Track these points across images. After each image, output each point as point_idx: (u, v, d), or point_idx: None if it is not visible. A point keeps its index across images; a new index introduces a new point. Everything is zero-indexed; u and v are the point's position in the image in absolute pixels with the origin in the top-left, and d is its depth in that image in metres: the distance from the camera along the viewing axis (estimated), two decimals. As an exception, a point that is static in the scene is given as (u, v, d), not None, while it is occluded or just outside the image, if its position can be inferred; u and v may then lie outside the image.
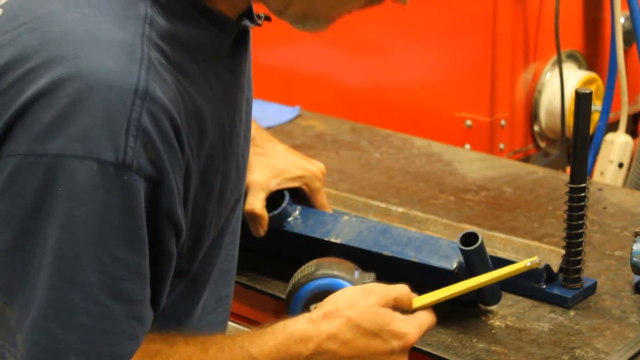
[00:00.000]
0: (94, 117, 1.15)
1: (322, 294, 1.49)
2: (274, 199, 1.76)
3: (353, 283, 1.52)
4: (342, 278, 1.54)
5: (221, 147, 1.33)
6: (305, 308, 1.53)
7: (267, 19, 1.39)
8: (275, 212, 1.75)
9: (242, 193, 1.48)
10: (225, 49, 1.34)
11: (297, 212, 1.77)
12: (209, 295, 1.49)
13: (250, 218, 1.72)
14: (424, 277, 1.63)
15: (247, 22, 1.36)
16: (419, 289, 1.58)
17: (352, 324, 1.38)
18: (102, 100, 1.15)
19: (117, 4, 1.22)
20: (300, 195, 1.80)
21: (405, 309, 1.43)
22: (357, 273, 1.55)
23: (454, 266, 1.61)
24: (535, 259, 1.52)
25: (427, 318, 1.44)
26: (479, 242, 1.57)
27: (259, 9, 1.36)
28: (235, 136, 1.38)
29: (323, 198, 1.80)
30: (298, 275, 1.58)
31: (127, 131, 1.16)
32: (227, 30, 1.32)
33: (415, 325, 1.42)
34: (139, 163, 1.17)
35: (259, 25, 1.39)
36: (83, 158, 1.15)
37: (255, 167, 1.74)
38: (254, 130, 1.79)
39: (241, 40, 1.37)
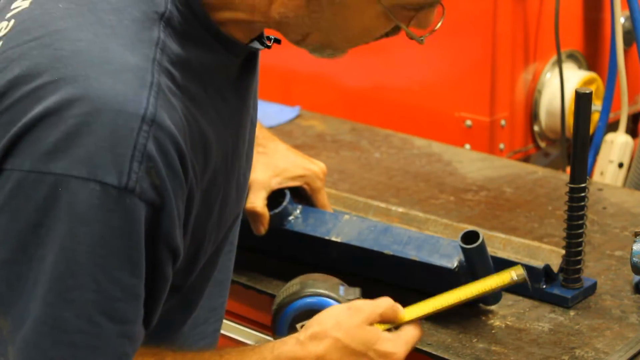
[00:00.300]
0: (100, 140, 1.15)
1: (308, 313, 1.49)
2: (275, 198, 1.76)
3: (339, 301, 1.51)
4: (328, 296, 1.53)
5: (223, 169, 1.33)
6: (292, 327, 1.53)
7: (277, 41, 1.40)
8: (276, 210, 1.75)
9: (242, 209, 1.49)
10: (234, 71, 1.34)
11: (298, 211, 1.78)
12: (202, 305, 1.49)
13: (251, 216, 1.72)
14: (424, 276, 1.63)
15: (257, 45, 1.37)
16: (420, 288, 1.59)
17: (340, 345, 1.38)
18: (110, 123, 1.15)
19: (130, 26, 1.22)
20: (301, 195, 1.80)
21: (392, 323, 1.43)
22: (342, 289, 1.54)
23: (455, 265, 1.61)
24: (520, 272, 1.51)
25: (413, 334, 1.44)
26: (480, 240, 1.57)
27: (271, 32, 1.37)
28: (237, 157, 1.39)
29: (324, 197, 1.81)
30: (283, 294, 1.56)
31: (132, 156, 1.16)
32: (237, 53, 1.33)
33: (401, 344, 1.42)
34: (142, 188, 1.17)
35: (268, 47, 1.40)
36: (86, 180, 1.15)
37: (256, 165, 1.74)
38: (256, 130, 1.79)
39: (250, 62, 1.38)
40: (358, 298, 1.50)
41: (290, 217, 1.77)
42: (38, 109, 1.16)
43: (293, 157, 1.80)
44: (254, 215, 1.73)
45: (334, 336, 1.38)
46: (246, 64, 1.37)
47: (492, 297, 1.64)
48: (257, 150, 1.75)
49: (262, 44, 1.39)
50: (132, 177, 1.16)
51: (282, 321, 1.55)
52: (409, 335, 1.43)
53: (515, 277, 1.51)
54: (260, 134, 1.79)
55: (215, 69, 1.29)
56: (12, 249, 1.18)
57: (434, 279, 1.62)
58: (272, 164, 1.77)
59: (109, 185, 1.15)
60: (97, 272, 1.17)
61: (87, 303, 1.18)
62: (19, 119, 1.17)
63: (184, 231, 1.26)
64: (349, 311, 1.42)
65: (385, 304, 1.43)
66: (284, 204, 1.76)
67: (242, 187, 1.45)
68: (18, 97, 1.18)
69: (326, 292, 1.53)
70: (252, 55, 1.39)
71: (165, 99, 1.19)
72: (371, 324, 1.41)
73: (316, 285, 1.55)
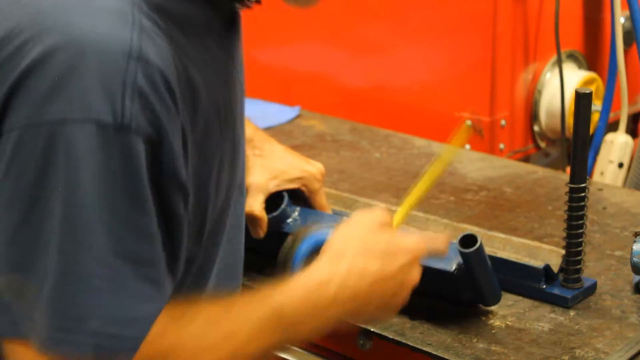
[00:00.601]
0: (89, 80, 1.16)
1: (315, 252, 1.50)
2: (273, 201, 1.76)
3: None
4: (329, 228, 1.54)
5: (217, 125, 1.33)
6: (306, 266, 1.53)
7: (257, 1, 1.40)
8: (275, 213, 1.75)
9: (238, 180, 1.48)
10: (216, 28, 1.35)
11: (296, 213, 1.77)
12: (217, 286, 1.49)
13: (249, 220, 1.72)
14: (423, 279, 1.62)
15: (237, 5, 1.38)
16: (420, 291, 1.58)
17: (361, 254, 1.40)
18: (96, 63, 1.16)
19: None
20: (299, 196, 1.80)
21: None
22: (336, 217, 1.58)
23: (453, 268, 1.60)
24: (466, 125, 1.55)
25: (427, 234, 1.49)
26: (478, 244, 1.57)
27: None
28: (231, 118, 1.39)
29: (322, 199, 1.80)
30: (290, 239, 1.57)
31: (124, 93, 1.17)
32: (217, 7, 1.33)
33: (414, 239, 1.45)
34: (138, 124, 1.17)
35: (249, 7, 1.40)
36: (82, 121, 1.16)
37: (253, 168, 1.74)
38: (252, 132, 1.79)
39: (232, 24, 1.39)
40: None
41: (289, 220, 1.76)
42: (24, 64, 1.17)
43: (290, 159, 1.80)
44: (252, 219, 1.72)
45: (353, 248, 1.40)
46: (228, 25, 1.38)
47: (492, 297, 1.64)
48: (253, 152, 1.75)
49: (243, 4, 1.39)
50: (127, 113, 1.16)
51: (297, 262, 1.56)
52: (425, 233, 1.48)
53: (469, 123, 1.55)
54: (256, 135, 1.79)
55: (195, 21, 1.29)
56: (22, 211, 1.18)
57: (433, 282, 1.62)
58: (269, 167, 1.77)
59: (105, 124, 1.16)
60: (105, 214, 1.18)
61: (101, 247, 1.18)
62: (7, 78, 1.18)
63: (187, 180, 1.26)
64: (355, 224, 1.44)
65: (380, 211, 1.46)
66: (282, 207, 1.76)
67: (238, 153, 1.45)
68: (3, 58, 1.19)
69: (324, 224, 1.56)
70: (234, 17, 1.39)
71: (149, 38, 1.20)
72: (379, 225, 1.43)
73: (311, 227, 1.57)
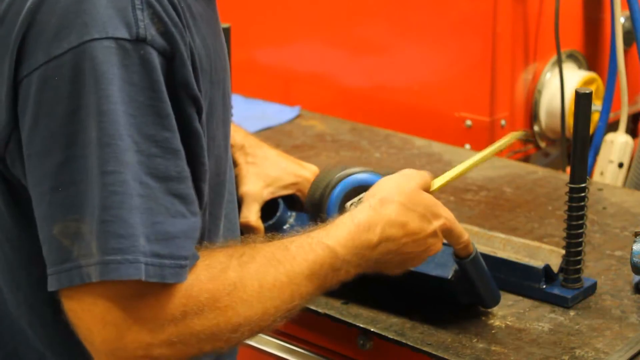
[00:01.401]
0: (98, 0, 1.19)
1: (356, 190, 1.59)
2: (268, 207, 1.76)
3: (381, 174, 1.59)
4: (371, 172, 1.64)
5: (208, 69, 1.34)
6: (342, 206, 1.61)
7: None
8: (271, 222, 1.75)
9: (228, 143, 1.48)
10: None
11: (292, 219, 1.77)
12: None
13: (246, 230, 1.72)
14: (420, 286, 1.62)
15: None
16: (417, 298, 1.58)
17: (405, 208, 1.46)
18: None
19: None
20: (295, 201, 1.79)
21: (430, 191, 1.53)
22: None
23: (450, 275, 1.59)
24: (520, 132, 1.63)
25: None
26: (474, 253, 1.56)
27: None
28: (222, 69, 1.40)
29: None
30: (325, 178, 1.65)
31: (134, 6, 1.20)
32: None
33: (449, 213, 1.52)
34: (152, 35, 1.21)
35: None
36: (99, 40, 1.18)
37: (247, 177, 1.74)
38: (242, 137, 1.78)
39: None
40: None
41: (286, 226, 1.76)
42: (29, 3, 1.20)
43: (284, 164, 1.80)
44: (249, 229, 1.72)
45: (399, 200, 1.46)
46: None
47: (491, 299, 1.64)
48: (246, 160, 1.75)
49: None
50: (140, 25, 1.20)
51: (332, 203, 1.62)
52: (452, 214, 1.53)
53: (516, 134, 1.66)
54: (247, 142, 1.79)
55: None
56: (63, 148, 1.20)
57: (431, 289, 1.62)
58: (263, 174, 1.76)
59: (122, 39, 1.19)
60: (133, 131, 1.20)
61: (134, 165, 1.20)
62: (15, 23, 1.21)
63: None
64: (404, 177, 1.50)
65: (426, 174, 1.53)
66: (278, 214, 1.76)
67: (228, 106, 1.46)
68: (6, 6, 1.22)
69: (368, 169, 1.65)
70: None
71: None
72: (424, 189, 1.50)
73: (356, 166, 1.66)
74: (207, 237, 1.41)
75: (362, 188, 1.56)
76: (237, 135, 1.76)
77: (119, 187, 1.19)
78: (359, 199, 1.54)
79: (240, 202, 1.70)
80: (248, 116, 2.55)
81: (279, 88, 2.83)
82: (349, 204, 1.58)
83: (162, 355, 1.23)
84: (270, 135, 2.47)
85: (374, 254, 1.43)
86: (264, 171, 1.77)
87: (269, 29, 2.83)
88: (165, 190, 1.22)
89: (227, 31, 2.05)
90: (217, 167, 1.41)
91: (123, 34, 1.19)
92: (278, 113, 2.61)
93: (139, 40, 1.20)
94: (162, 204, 1.22)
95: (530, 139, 1.67)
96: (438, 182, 1.57)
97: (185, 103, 1.26)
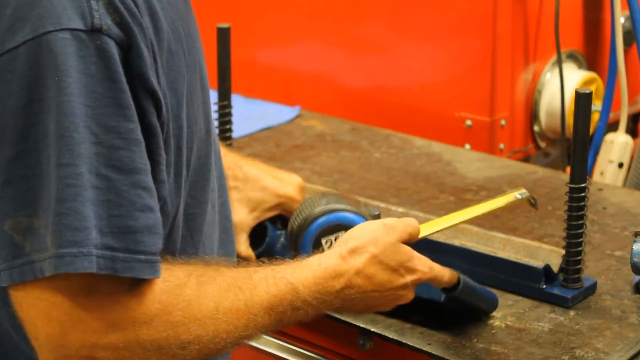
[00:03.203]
0: None
1: (334, 228, 1.56)
2: (256, 230, 1.75)
3: (364, 216, 1.57)
4: (354, 212, 1.58)
5: (181, 51, 1.33)
6: (317, 243, 1.57)
7: None
8: (261, 249, 1.74)
9: (210, 126, 1.47)
10: None
11: (283, 239, 1.76)
12: (219, 252, 1.51)
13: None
14: (413, 308, 1.60)
15: None
16: (410, 317, 1.58)
17: (376, 260, 1.45)
18: None
19: None
20: (283, 218, 1.78)
21: (414, 240, 1.51)
22: (362, 207, 1.60)
23: (443, 297, 1.59)
24: (524, 191, 1.63)
25: (437, 265, 1.51)
26: (461, 285, 1.55)
27: None
28: (195, 53, 1.39)
29: None
30: (304, 211, 1.59)
31: None
32: None
33: (428, 265, 1.50)
34: (107, 25, 1.20)
35: None
36: (55, 32, 1.17)
37: (231, 204, 1.72)
38: (222, 153, 1.71)
39: None
40: (379, 214, 1.58)
41: (277, 246, 1.75)
42: None
43: (266, 182, 1.76)
44: (240, 259, 1.71)
45: (372, 252, 1.45)
46: None
47: (488, 309, 1.64)
48: (228, 184, 1.72)
49: None
50: (95, 15, 1.19)
51: (307, 238, 1.58)
52: (434, 263, 1.51)
53: (518, 196, 1.62)
54: (226, 161, 1.73)
55: None
56: (15, 142, 1.18)
57: (423, 311, 1.61)
58: (246, 199, 1.74)
59: (77, 30, 1.18)
60: (91, 123, 1.18)
61: (91, 157, 1.18)
62: None
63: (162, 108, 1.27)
64: (384, 228, 1.48)
65: (413, 223, 1.51)
66: (267, 239, 1.74)
67: (206, 88, 1.45)
68: None
69: (351, 208, 1.59)
70: None
71: None
72: (403, 241, 1.48)
73: (340, 201, 1.60)
74: (192, 221, 1.41)
75: (341, 226, 1.55)
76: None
77: (73, 180, 1.17)
78: (335, 238, 1.55)
79: None
80: (248, 116, 2.55)
81: (279, 88, 2.83)
82: (324, 240, 1.57)
83: (105, 359, 1.22)
84: (270, 135, 2.47)
85: (337, 300, 1.43)
86: (247, 195, 1.75)
87: (269, 29, 2.83)
88: (132, 182, 1.21)
89: (227, 31, 2.05)
90: (199, 150, 1.41)
91: (78, 24, 1.18)
92: (278, 113, 2.61)
93: (94, 31, 1.18)
94: (126, 197, 1.20)
95: (533, 203, 1.66)
96: (426, 230, 1.55)
97: (141, 96, 1.24)
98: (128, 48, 1.22)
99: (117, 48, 1.20)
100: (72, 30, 1.18)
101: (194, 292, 1.28)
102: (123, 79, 1.21)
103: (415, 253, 1.49)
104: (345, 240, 1.47)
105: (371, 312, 1.53)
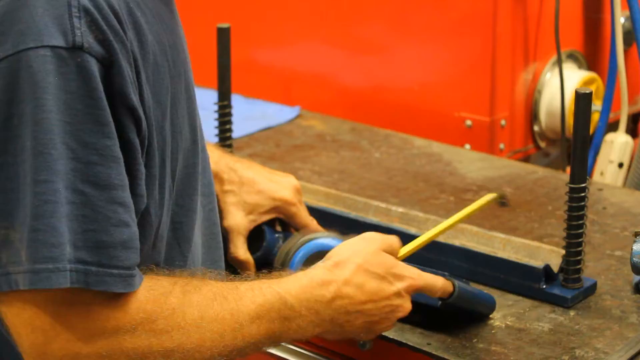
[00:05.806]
0: (35, 8, 1.18)
1: (317, 255, 1.56)
2: (254, 234, 1.75)
3: (342, 239, 1.57)
4: (332, 237, 1.62)
5: (166, 64, 1.34)
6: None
7: None
8: (259, 253, 1.74)
9: (197, 135, 1.46)
10: None
11: (281, 242, 1.75)
12: (205, 257, 1.51)
13: (236, 265, 1.72)
14: (412, 309, 1.60)
15: None
16: (410, 317, 1.57)
17: (362, 269, 1.45)
18: None
19: None
20: (280, 221, 1.78)
21: (396, 253, 1.52)
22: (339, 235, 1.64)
23: (439, 303, 1.58)
24: (494, 194, 1.67)
25: (427, 273, 1.51)
26: (455, 292, 1.55)
27: None
28: (181, 65, 1.39)
29: (302, 218, 1.76)
30: (286, 246, 1.63)
31: (70, 14, 1.19)
32: None
33: (415, 272, 1.50)
34: (89, 43, 1.20)
35: None
36: (35, 49, 1.18)
37: (226, 209, 1.72)
38: (215, 163, 1.73)
39: None
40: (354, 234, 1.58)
41: (275, 250, 1.74)
42: None
43: (262, 185, 1.75)
44: (239, 263, 1.72)
45: (356, 262, 1.45)
46: None
47: (486, 311, 1.64)
48: (222, 188, 1.72)
49: None
50: (77, 33, 1.19)
51: (293, 267, 1.60)
52: (421, 272, 1.51)
53: (489, 198, 1.68)
54: (220, 167, 1.74)
55: None
56: None
57: (420, 316, 1.60)
58: (242, 203, 1.74)
59: (58, 47, 1.18)
60: (69, 139, 1.19)
61: (68, 173, 1.19)
62: None
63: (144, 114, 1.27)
64: (364, 240, 1.50)
65: (393, 239, 1.52)
66: (264, 243, 1.74)
67: (192, 97, 1.45)
68: None
69: (329, 234, 1.64)
70: None
71: None
72: (385, 251, 1.49)
73: (318, 233, 1.66)
74: (180, 229, 1.41)
75: (323, 253, 1.53)
76: (211, 160, 1.72)
77: (50, 196, 1.18)
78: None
79: (224, 236, 1.69)
80: (248, 116, 2.55)
81: (279, 88, 2.83)
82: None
83: None
84: (270, 135, 2.47)
85: (329, 311, 1.42)
86: (242, 199, 1.74)
87: (269, 29, 2.83)
88: (107, 198, 1.21)
89: (227, 31, 2.05)
90: (185, 159, 1.41)
91: (59, 42, 1.18)
92: (278, 113, 2.61)
93: (75, 48, 1.19)
94: (102, 212, 1.21)
95: (505, 202, 1.68)
96: (407, 248, 1.56)
97: (120, 113, 1.24)
98: (109, 65, 1.22)
99: (98, 65, 1.21)
100: (52, 47, 1.18)
101: (178, 300, 1.28)
102: (103, 96, 1.21)
103: (400, 262, 1.50)
104: (328, 257, 1.47)
105: (375, 333, 1.50)
